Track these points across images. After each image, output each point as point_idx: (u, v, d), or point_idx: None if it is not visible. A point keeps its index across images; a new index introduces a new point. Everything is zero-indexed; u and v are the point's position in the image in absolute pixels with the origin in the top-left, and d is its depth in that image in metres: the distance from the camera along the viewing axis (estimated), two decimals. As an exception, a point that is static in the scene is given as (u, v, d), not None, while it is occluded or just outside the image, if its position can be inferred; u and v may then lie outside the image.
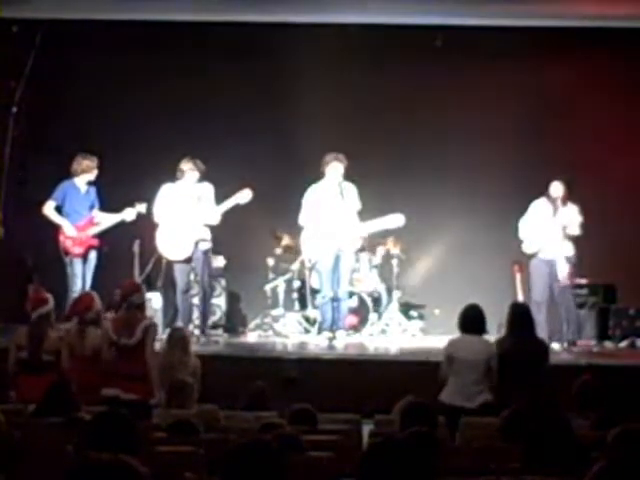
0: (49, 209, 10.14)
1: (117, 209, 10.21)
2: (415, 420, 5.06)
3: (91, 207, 10.26)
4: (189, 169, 10.03)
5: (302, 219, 10.33)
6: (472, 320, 7.51)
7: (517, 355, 7.43)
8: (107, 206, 10.31)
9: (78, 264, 10.10)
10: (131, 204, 10.16)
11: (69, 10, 11.35)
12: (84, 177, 10.19)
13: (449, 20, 11.20)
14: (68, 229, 10.09)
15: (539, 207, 10.11)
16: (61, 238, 10.09)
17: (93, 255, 10.20)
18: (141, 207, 10.16)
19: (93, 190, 10.28)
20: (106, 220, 10.18)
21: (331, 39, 11.55)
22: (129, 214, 10.13)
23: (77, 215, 10.18)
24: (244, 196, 9.95)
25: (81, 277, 10.09)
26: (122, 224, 10.23)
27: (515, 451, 4.56)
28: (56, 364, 7.68)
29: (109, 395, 7.34)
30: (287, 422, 5.70)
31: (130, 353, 7.74)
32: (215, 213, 9.97)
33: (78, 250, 10.09)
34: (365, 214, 10.36)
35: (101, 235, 10.37)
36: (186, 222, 10.00)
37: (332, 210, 10.20)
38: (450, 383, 7.36)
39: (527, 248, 10.04)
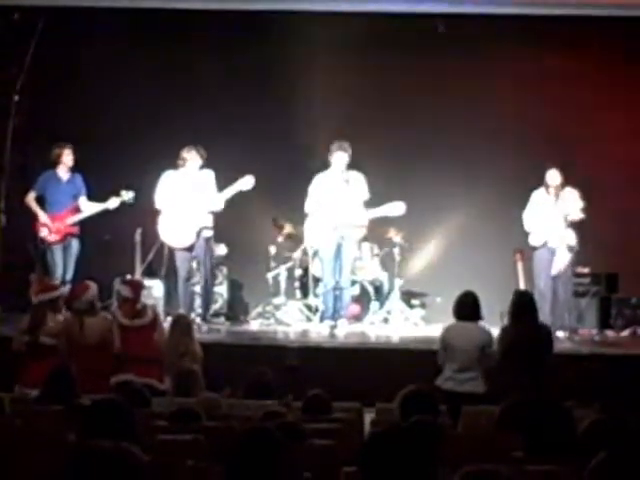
0: (30, 199, 10.27)
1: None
2: (416, 408, 5.07)
3: (75, 195, 10.30)
4: (191, 157, 10.03)
5: (308, 207, 10.31)
6: (467, 307, 7.52)
7: (521, 343, 7.42)
8: (106, 194, 10.33)
9: (58, 252, 10.17)
10: (117, 193, 10.21)
11: (71, -2, 11.35)
12: (61, 166, 10.27)
13: (451, 7, 11.18)
14: (41, 217, 10.18)
15: (539, 197, 10.10)
16: (37, 226, 10.18)
17: (75, 243, 10.26)
18: (127, 196, 10.19)
19: (78, 178, 10.35)
20: (89, 209, 10.23)
21: (333, 26, 11.53)
22: (113, 203, 10.18)
23: (59, 204, 10.26)
24: (246, 183, 9.93)
25: (62, 265, 10.14)
26: (124, 212, 10.30)
27: (517, 440, 4.57)
28: (56, 349, 7.71)
29: (121, 380, 7.34)
30: (300, 409, 5.72)
31: (143, 335, 7.78)
32: (218, 199, 9.96)
33: (54, 238, 10.16)
34: (367, 202, 10.34)
35: (104, 224, 10.41)
36: (188, 210, 9.99)
37: (335, 199, 10.17)
38: (445, 369, 7.40)
39: (534, 240, 10.04)
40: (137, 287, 8.28)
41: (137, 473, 2.81)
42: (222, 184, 10.03)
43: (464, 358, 7.33)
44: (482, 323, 7.62)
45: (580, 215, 9.94)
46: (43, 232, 10.18)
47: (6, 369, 7.78)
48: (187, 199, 10.01)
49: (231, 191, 9.93)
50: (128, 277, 10.10)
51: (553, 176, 10.04)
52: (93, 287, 8.07)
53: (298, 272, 11.01)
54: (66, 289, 9.67)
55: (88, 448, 2.88)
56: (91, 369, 7.40)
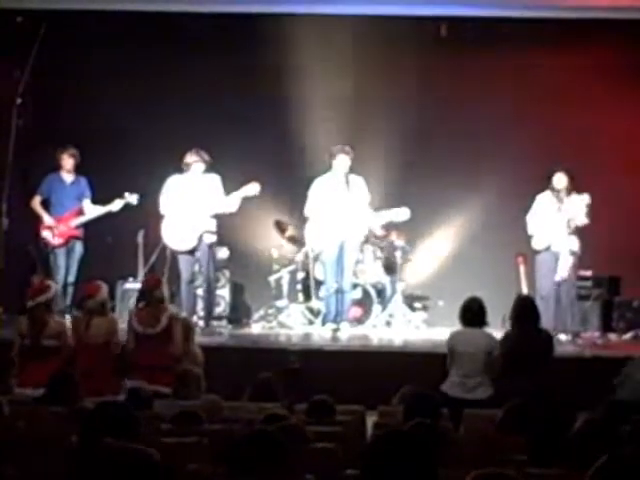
0: (35, 203, 10.38)
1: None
2: (418, 411, 5.07)
3: (79, 198, 10.37)
4: (194, 161, 10.04)
5: (308, 211, 10.33)
6: (473, 313, 7.50)
7: (522, 349, 7.41)
8: (109, 197, 10.36)
9: (61, 255, 10.25)
10: (121, 195, 10.27)
11: (73, 1, 11.34)
12: (63, 169, 10.41)
13: (453, 10, 11.20)
14: (46, 220, 10.25)
15: (544, 200, 10.09)
16: (40, 229, 10.25)
17: (78, 246, 10.33)
18: (131, 198, 10.27)
19: (83, 181, 10.45)
20: (92, 211, 10.28)
21: (334, 30, 11.55)
22: (116, 205, 10.25)
23: (62, 207, 10.38)
24: (252, 189, 9.92)
25: (64, 268, 10.20)
26: (123, 214, 10.36)
27: (518, 443, 4.57)
28: (58, 350, 7.69)
29: (133, 386, 7.32)
30: (305, 413, 5.72)
31: (153, 343, 7.75)
32: (231, 201, 9.94)
33: (57, 241, 10.23)
34: (371, 204, 10.35)
35: (106, 226, 10.45)
36: (192, 213, 10.00)
37: (337, 202, 10.18)
38: (451, 375, 7.37)
39: (536, 244, 10.02)
40: (148, 281, 8.29)
41: (155, 474, 2.80)
42: (225, 188, 10.03)
43: (470, 364, 7.31)
44: (488, 329, 7.61)
45: (585, 221, 9.92)
46: (47, 235, 10.23)
47: (7, 372, 7.77)
48: (191, 203, 10.01)
49: (237, 196, 9.92)
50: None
51: (560, 179, 10.02)
52: (104, 288, 8.08)
53: (300, 275, 11.00)
54: (61, 289, 9.72)
55: (103, 448, 2.87)
56: (92, 369, 7.40)
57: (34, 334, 7.71)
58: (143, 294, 8.11)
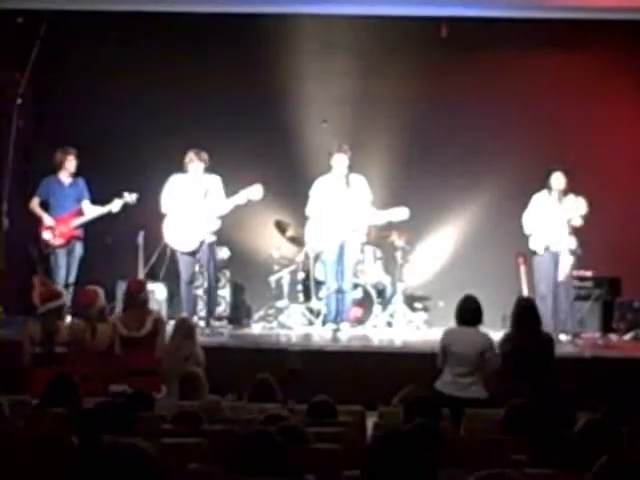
0: (34, 205, 10.36)
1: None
2: (419, 412, 5.06)
3: (78, 199, 10.37)
4: (189, 161, 10.04)
5: (309, 211, 10.32)
6: (468, 311, 7.47)
7: (523, 350, 7.39)
8: (108, 198, 10.35)
9: (61, 256, 10.24)
10: (119, 195, 10.26)
11: (74, 1, 11.33)
12: (63, 171, 10.37)
13: (454, 11, 11.19)
14: (46, 220, 10.25)
15: (541, 200, 10.07)
16: (40, 230, 10.24)
17: (78, 246, 10.33)
18: (130, 198, 10.26)
19: (81, 182, 10.44)
20: (92, 212, 10.28)
21: (336, 30, 11.55)
22: (115, 205, 10.24)
23: (61, 208, 10.35)
24: (255, 192, 9.88)
25: (65, 268, 10.20)
26: (121, 215, 10.34)
27: (520, 443, 4.56)
28: (68, 357, 7.67)
29: (117, 391, 7.31)
30: (305, 414, 5.72)
31: (139, 346, 7.75)
32: (225, 204, 9.94)
33: (58, 241, 10.21)
34: (372, 202, 10.34)
35: (106, 227, 10.44)
36: (193, 214, 9.99)
37: (337, 202, 10.18)
38: (445, 373, 7.36)
39: (534, 245, 10.00)
40: (131, 286, 8.27)
41: (155, 472, 2.80)
42: (225, 188, 10.02)
43: (465, 363, 7.30)
44: (482, 327, 7.59)
45: (580, 222, 9.92)
46: (47, 235, 10.22)
47: (9, 373, 7.73)
48: (193, 203, 10.01)
49: (239, 199, 9.90)
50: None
51: (558, 179, 10.01)
52: (101, 293, 8.06)
53: (301, 275, 11.00)
54: (69, 295, 9.70)
55: (105, 446, 2.86)
56: (100, 374, 7.39)
57: (46, 341, 7.69)
58: (127, 298, 8.12)
